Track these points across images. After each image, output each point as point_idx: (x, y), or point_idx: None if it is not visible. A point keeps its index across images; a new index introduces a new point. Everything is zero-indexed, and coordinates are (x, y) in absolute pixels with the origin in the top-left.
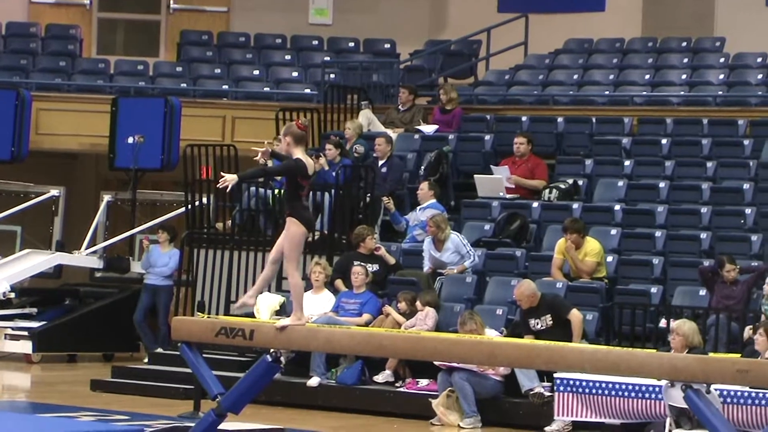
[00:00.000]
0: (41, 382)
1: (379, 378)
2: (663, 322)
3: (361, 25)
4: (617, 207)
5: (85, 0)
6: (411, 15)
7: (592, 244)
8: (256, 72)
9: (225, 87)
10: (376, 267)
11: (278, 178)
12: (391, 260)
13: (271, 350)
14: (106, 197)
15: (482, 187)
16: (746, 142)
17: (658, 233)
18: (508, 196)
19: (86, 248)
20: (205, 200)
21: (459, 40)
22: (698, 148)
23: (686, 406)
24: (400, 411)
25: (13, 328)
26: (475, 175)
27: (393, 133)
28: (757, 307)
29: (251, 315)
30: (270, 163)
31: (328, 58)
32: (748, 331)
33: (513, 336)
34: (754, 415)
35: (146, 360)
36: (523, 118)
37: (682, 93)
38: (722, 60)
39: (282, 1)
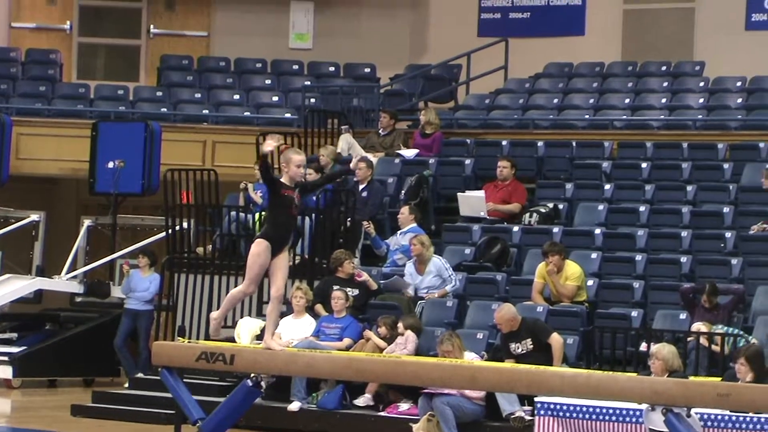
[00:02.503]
0: (21, 407)
1: (360, 402)
2: (643, 346)
3: (342, 50)
4: (597, 231)
5: (66, 25)
6: (391, 39)
7: (572, 268)
8: (237, 96)
9: (205, 111)
10: (356, 292)
11: (260, 201)
12: (374, 285)
13: (252, 375)
14: (87, 222)
15: (465, 206)
16: (726, 165)
17: (638, 257)
18: (489, 217)
19: (66, 273)
20: (185, 225)
21: (439, 64)
22: (678, 171)
23: (667, 430)
24: None
25: None
26: (458, 194)
27: (373, 158)
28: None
29: (231, 340)
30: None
31: (309, 83)
32: None
33: (494, 360)
34: None
35: (127, 385)
36: (504, 142)
37: (662, 117)
38: (702, 84)
39: (262, 25)
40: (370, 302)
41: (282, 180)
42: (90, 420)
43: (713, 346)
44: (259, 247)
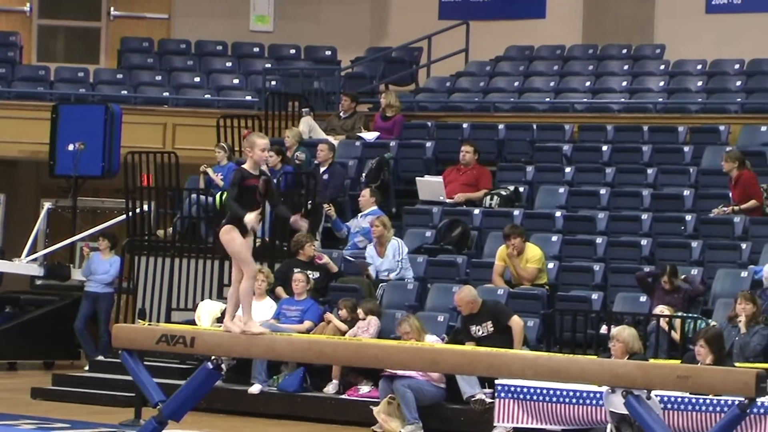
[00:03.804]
0: None
1: (329, 389)
2: (604, 329)
3: (302, 32)
4: (558, 213)
5: (25, 7)
6: (352, 22)
7: (533, 251)
8: (197, 79)
9: (166, 94)
10: (317, 274)
11: (221, 184)
12: (335, 268)
13: (212, 357)
14: (47, 204)
15: (423, 190)
16: (686, 149)
17: (598, 240)
18: (448, 201)
19: (26, 256)
20: (146, 207)
21: (400, 47)
22: (639, 155)
23: (627, 412)
24: (341, 418)
25: None
26: (417, 178)
27: (334, 140)
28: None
29: (192, 322)
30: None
31: (269, 65)
32: None
33: (454, 343)
34: (695, 421)
35: (87, 368)
36: (464, 125)
37: (623, 100)
38: (662, 67)
39: (223, 7)
40: (330, 285)
41: (245, 166)
42: (50, 403)
43: (673, 333)
44: (229, 234)
